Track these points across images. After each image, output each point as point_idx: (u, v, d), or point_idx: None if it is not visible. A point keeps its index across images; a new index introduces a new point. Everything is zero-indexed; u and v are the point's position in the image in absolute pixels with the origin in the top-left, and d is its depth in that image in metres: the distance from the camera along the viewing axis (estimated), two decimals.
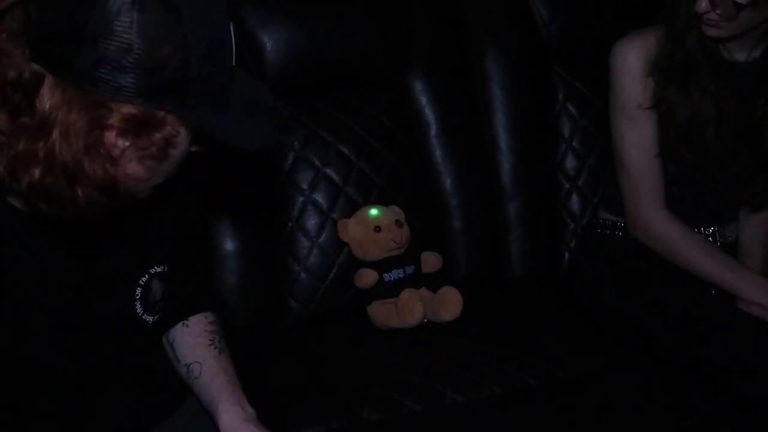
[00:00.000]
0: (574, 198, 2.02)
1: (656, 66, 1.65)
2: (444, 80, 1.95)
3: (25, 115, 0.90)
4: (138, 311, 1.17)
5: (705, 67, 1.63)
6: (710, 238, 1.77)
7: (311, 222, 1.81)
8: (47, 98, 0.89)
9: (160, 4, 0.89)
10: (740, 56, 1.67)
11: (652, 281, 1.72)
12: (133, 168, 0.96)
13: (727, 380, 1.55)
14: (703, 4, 1.55)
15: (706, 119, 1.64)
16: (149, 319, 1.19)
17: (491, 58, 1.98)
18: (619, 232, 1.81)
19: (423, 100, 1.93)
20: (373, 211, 1.76)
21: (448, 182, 1.93)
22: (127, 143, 0.93)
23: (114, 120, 0.91)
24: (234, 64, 0.98)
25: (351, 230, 1.76)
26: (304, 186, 1.81)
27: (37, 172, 0.91)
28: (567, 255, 2.01)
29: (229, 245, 1.75)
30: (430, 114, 1.93)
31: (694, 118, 1.64)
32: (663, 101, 1.66)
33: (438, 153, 1.93)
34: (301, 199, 1.81)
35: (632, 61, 1.68)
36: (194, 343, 1.26)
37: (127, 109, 0.91)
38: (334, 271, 1.81)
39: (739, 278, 1.67)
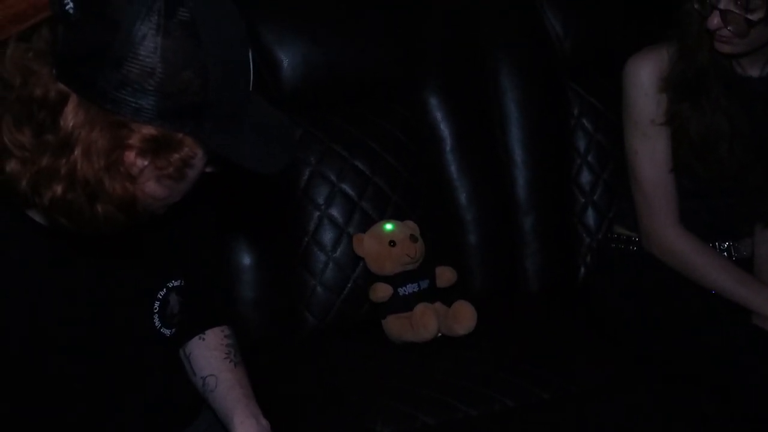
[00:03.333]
0: (590, 212, 2.03)
1: (669, 82, 1.66)
2: (459, 95, 1.96)
3: (49, 132, 0.93)
4: (156, 324, 1.19)
5: (717, 83, 1.63)
6: (725, 253, 1.77)
7: (327, 236, 1.83)
8: (71, 117, 0.92)
9: (183, 30, 0.92)
10: (753, 72, 1.67)
11: (666, 296, 1.72)
12: (151, 187, 0.98)
13: (741, 396, 1.55)
14: (715, 21, 1.56)
15: (719, 134, 1.65)
16: (167, 332, 1.21)
17: (506, 74, 1.99)
18: (633, 247, 1.81)
19: (438, 115, 1.95)
20: (388, 226, 1.78)
21: (463, 197, 1.94)
22: (146, 163, 0.96)
23: (134, 140, 0.93)
24: (251, 88, 1.01)
25: (366, 245, 1.78)
26: (320, 201, 1.83)
27: (59, 189, 0.93)
28: (582, 269, 2.01)
29: (246, 259, 1.77)
30: (444, 129, 1.95)
31: (707, 133, 1.65)
32: (676, 117, 1.66)
33: (453, 168, 1.94)
34: (317, 213, 1.83)
35: (645, 77, 1.69)
36: (210, 356, 1.28)
37: (147, 130, 0.93)
38: (349, 285, 1.83)
39: (754, 293, 1.67)
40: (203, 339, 1.30)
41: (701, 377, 1.61)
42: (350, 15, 1.89)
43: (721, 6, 1.54)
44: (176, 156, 0.96)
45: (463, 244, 1.93)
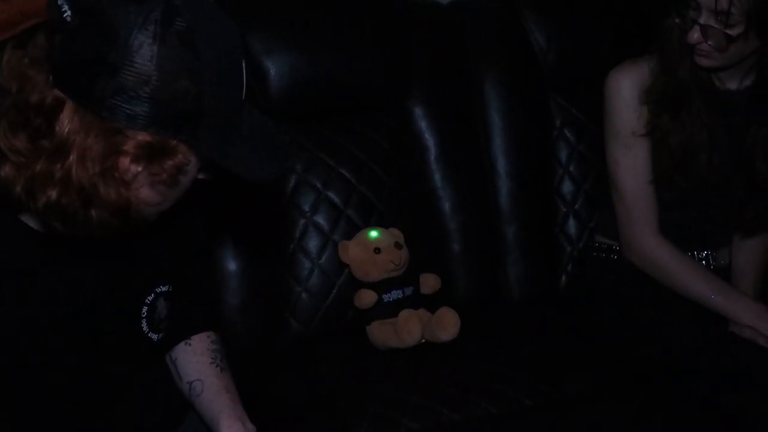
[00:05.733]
0: (571, 222, 2.05)
1: (650, 95, 1.69)
2: (443, 106, 1.98)
3: (44, 138, 0.94)
4: (144, 329, 1.20)
5: (697, 96, 1.66)
6: (703, 262, 1.80)
7: (312, 243, 1.84)
8: (67, 123, 0.93)
9: (179, 40, 0.93)
10: (732, 85, 1.70)
11: (646, 304, 1.75)
12: (144, 193, 0.99)
13: (718, 402, 1.57)
14: (695, 35, 1.59)
15: (698, 146, 1.67)
16: (154, 337, 1.22)
17: (490, 85, 2.01)
18: (614, 256, 1.84)
19: (423, 125, 1.96)
20: (373, 234, 1.79)
21: (447, 206, 1.96)
22: (140, 169, 0.97)
23: (129, 146, 0.95)
24: (244, 98, 1.03)
25: (351, 252, 1.79)
26: (306, 208, 1.85)
27: (53, 193, 0.94)
28: (564, 278, 2.04)
29: (232, 265, 1.78)
30: (429, 139, 1.96)
31: (687, 145, 1.67)
32: (656, 129, 1.69)
33: (437, 177, 1.96)
34: (302, 221, 1.84)
35: (626, 90, 1.72)
36: (196, 361, 1.29)
37: (142, 137, 0.95)
38: (334, 291, 1.84)
39: (731, 302, 1.70)
40: (189, 344, 1.31)
41: (680, 384, 1.63)
42: (337, 26, 1.91)
43: (702, 21, 1.57)
44: (170, 162, 0.97)
45: (446, 251, 1.95)
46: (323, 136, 1.88)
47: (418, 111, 1.96)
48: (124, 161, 0.96)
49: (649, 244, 1.75)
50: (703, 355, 1.63)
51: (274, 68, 1.83)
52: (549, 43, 2.04)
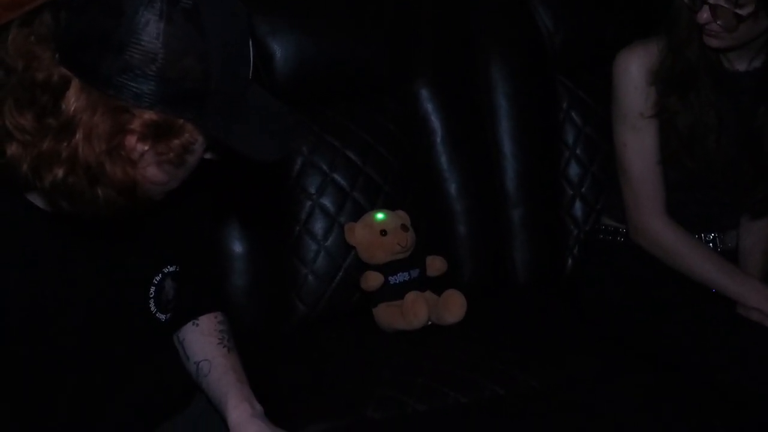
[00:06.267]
0: (578, 204, 2.05)
1: (658, 75, 1.68)
2: (450, 88, 1.98)
3: (51, 116, 0.93)
4: (152, 309, 1.20)
5: (706, 77, 1.65)
6: (710, 245, 1.80)
7: (319, 226, 1.84)
8: (73, 101, 0.93)
9: (186, 18, 0.93)
10: (740, 66, 1.70)
11: (652, 286, 1.75)
12: (151, 172, 0.99)
13: (725, 383, 1.57)
14: (705, 15, 1.58)
15: (706, 128, 1.67)
16: (162, 317, 1.22)
17: (496, 67, 2.01)
18: (621, 238, 1.84)
19: (429, 107, 1.96)
20: (380, 216, 1.79)
21: (453, 188, 1.96)
22: (147, 148, 0.97)
23: (135, 125, 0.94)
24: (251, 77, 1.02)
25: (358, 234, 1.79)
26: (312, 191, 1.85)
27: (60, 172, 0.94)
28: (570, 260, 2.03)
29: (238, 248, 1.78)
30: (435, 121, 1.96)
31: (695, 126, 1.67)
32: (664, 110, 1.68)
33: (443, 159, 1.96)
34: (309, 203, 1.84)
35: (635, 71, 1.71)
36: (204, 341, 1.30)
37: (149, 116, 0.94)
38: (340, 274, 1.84)
39: (738, 284, 1.70)
40: (197, 325, 1.31)
41: (687, 367, 1.63)
42: (343, 8, 1.90)
43: (711, 0, 1.56)
44: (176, 142, 0.97)
45: (453, 234, 1.94)
46: (329, 119, 1.87)
47: (424, 93, 1.96)
48: (131, 140, 0.95)
49: (656, 226, 1.74)
50: (710, 336, 1.63)
51: (279, 50, 1.82)
52: (556, 25, 2.04)
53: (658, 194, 1.74)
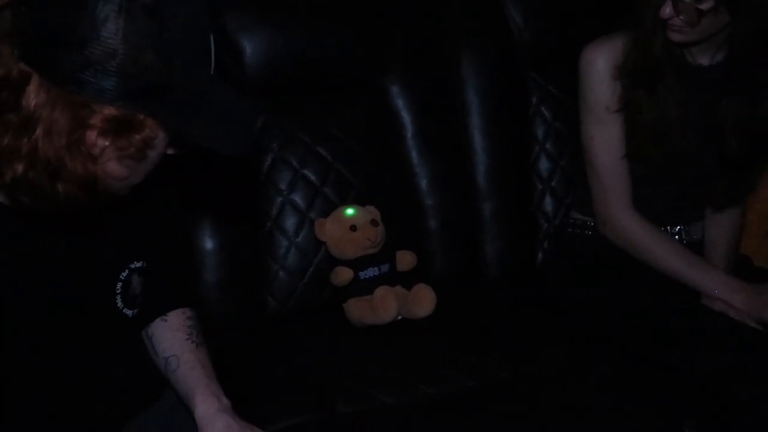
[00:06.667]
0: (548, 199, 2.07)
1: (624, 70, 1.70)
2: (420, 84, 1.98)
3: (11, 112, 0.94)
4: (119, 305, 1.20)
5: (670, 71, 1.67)
6: (676, 237, 1.82)
7: (289, 222, 1.85)
8: (33, 97, 0.93)
9: (146, 13, 0.93)
10: (704, 60, 1.72)
11: (619, 279, 1.77)
12: (112, 167, 0.99)
13: (691, 375, 1.59)
14: (668, 10, 1.60)
15: (671, 121, 1.68)
16: (129, 313, 1.22)
17: (467, 63, 2.02)
18: (588, 231, 1.86)
19: (400, 102, 1.96)
20: (350, 211, 1.80)
21: (423, 182, 1.97)
22: (107, 143, 0.97)
23: (96, 120, 0.94)
24: (213, 72, 1.02)
25: (327, 229, 1.80)
26: (283, 186, 1.85)
27: (20, 167, 0.94)
28: (540, 254, 2.05)
29: (209, 244, 1.78)
30: (406, 116, 1.96)
31: (660, 120, 1.69)
32: (630, 104, 1.70)
33: (414, 154, 1.97)
34: (279, 199, 1.85)
35: (601, 65, 1.73)
36: (172, 336, 1.29)
37: (109, 111, 0.94)
38: (311, 269, 1.85)
39: (703, 275, 1.72)
40: (165, 320, 1.31)
41: (654, 357, 1.64)
42: (314, 3, 1.90)
43: None
44: (137, 137, 0.97)
45: (423, 228, 1.95)
46: (299, 114, 1.87)
47: (395, 89, 1.96)
48: (91, 135, 0.95)
49: (622, 218, 1.76)
50: (677, 326, 1.65)
51: (250, 45, 1.82)
52: (525, 21, 2.05)
53: (625, 187, 1.76)
